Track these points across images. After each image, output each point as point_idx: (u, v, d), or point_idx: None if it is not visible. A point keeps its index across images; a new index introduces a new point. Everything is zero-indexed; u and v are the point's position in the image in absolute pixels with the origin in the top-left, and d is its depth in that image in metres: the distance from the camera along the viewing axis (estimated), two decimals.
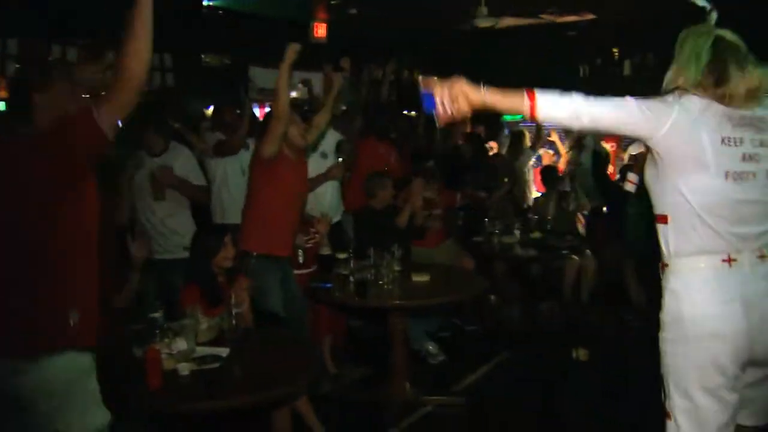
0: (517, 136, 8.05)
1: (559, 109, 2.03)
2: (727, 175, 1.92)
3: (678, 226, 2.01)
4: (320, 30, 7.87)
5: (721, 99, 1.95)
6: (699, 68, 1.98)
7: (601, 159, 6.84)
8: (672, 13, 7.89)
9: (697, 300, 1.95)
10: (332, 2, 7.08)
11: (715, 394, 1.93)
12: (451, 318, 5.59)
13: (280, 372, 2.84)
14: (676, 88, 2.02)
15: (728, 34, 2.06)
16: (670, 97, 1.99)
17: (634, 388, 4.56)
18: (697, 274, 1.97)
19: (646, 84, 7.00)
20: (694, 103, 1.95)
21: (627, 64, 9.13)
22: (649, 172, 2.09)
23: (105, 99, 2.09)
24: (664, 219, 2.05)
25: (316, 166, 4.96)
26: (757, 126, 1.96)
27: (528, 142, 8.02)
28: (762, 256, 1.95)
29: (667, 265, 2.06)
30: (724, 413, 1.95)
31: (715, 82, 1.96)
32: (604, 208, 6.95)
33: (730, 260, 1.93)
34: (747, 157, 1.93)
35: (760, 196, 1.96)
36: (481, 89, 2.07)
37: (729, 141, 1.93)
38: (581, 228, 6.97)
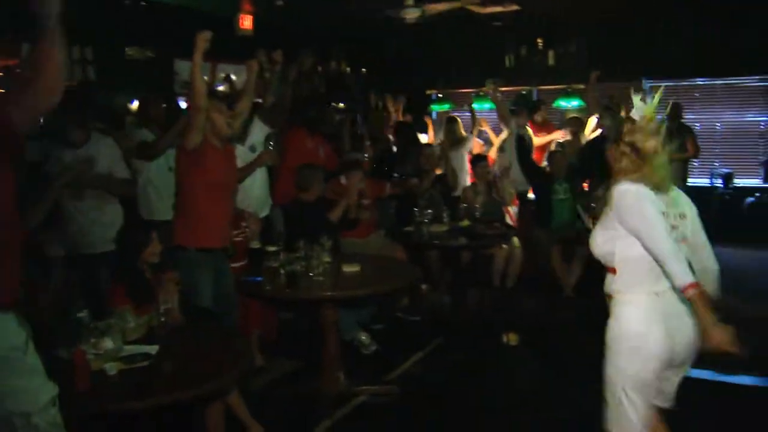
0: (449, 125, 8.13)
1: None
2: None
3: (627, 273, 2.60)
4: (246, 22, 7.74)
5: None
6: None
7: (524, 145, 7.02)
8: (595, 4, 8.22)
9: (635, 321, 2.57)
10: None
11: (644, 388, 2.57)
12: (386, 308, 5.66)
13: (210, 368, 2.83)
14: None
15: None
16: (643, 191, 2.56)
17: (562, 371, 4.73)
18: (636, 305, 2.59)
19: (570, 74, 7.26)
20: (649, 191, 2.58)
21: (551, 55, 9.35)
22: (602, 238, 2.66)
23: (18, 98, 2.03)
24: (614, 270, 2.63)
25: (246, 159, 4.94)
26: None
27: (462, 131, 8.12)
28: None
29: (612, 297, 2.67)
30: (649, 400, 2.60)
31: None
32: (530, 194, 7.13)
33: (658, 293, 2.55)
34: (673, 226, 2.62)
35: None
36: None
37: (666, 215, 2.58)
38: (514, 212, 7.12)
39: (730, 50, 8.62)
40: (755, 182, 9.19)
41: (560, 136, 7.82)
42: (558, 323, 5.79)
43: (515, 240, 6.27)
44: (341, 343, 4.46)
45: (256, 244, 4.47)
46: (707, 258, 2.78)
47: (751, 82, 9.19)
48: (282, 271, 3.98)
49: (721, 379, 4.40)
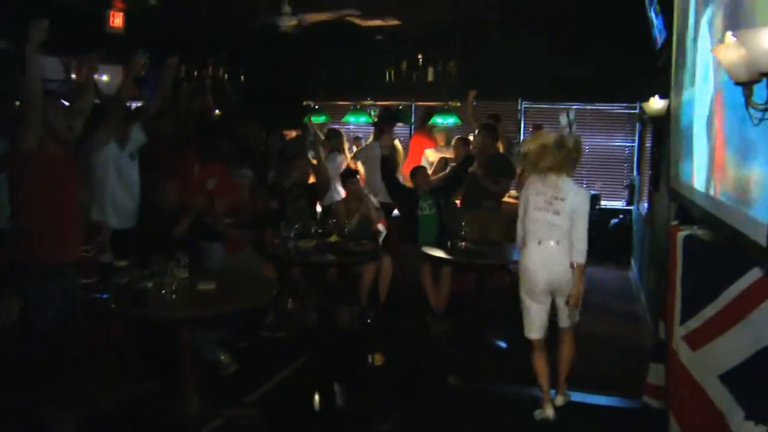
0: (329, 138, 8.08)
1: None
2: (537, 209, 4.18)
3: (526, 231, 4.23)
4: (116, 20, 7.37)
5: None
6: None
7: (388, 163, 7.02)
8: (474, 23, 8.41)
9: (529, 259, 4.18)
10: None
11: (533, 300, 4.21)
12: (250, 325, 5.45)
13: (52, 394, 2.58)
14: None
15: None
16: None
17: (426, 390, 4.72)
18: (529, 249, 4.19)
19: (448, 91, 7.31)
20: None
21: (430, 71, 9.45)
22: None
23: None
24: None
25: (125, 167, 4.79)
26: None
27: (344, 145, 8.08)
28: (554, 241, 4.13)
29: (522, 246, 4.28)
30: (540, 311, 4.22)
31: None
32: (395, 211, 7.12)
33: (540, 243, 4.14)
34: (548, 202, 4.14)
35: (549, 219, 4.13)
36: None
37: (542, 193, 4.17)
38: (383, 229, 7.08)
39: (597, 78, 9.02)
40: (619, 204, 9.65)
41: (450, 154, 7.88)
42: (425, 342, 5.80)
43: (386, 256, 6.22)
44: (201, 362, 4.24)
45: (107, 258, 4.17)
46: (575, 235, 4.06)
47: (618, 108, 9.66)
48: (131, 289, 3.72)
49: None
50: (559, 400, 4.38)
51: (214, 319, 4.49)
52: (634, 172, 9.37)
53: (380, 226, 6.93)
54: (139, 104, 8.62)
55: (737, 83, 1.79)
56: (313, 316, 5.92)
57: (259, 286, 4.42)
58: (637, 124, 9.32)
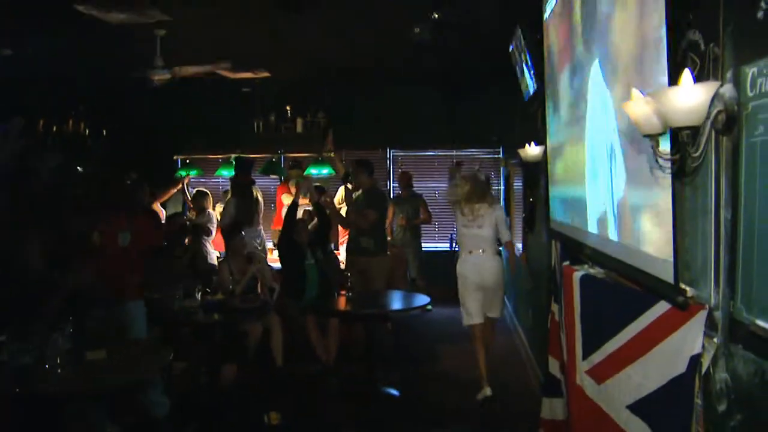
0: (196, 198, 7.95)
1: None
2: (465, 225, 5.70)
3: (460, 241, 5.81)
4: None
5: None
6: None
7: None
8: (343, 73, 8.58)
9: (463, 267, 5.71)
10: None
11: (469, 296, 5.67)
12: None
13: None
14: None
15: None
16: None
17: None
18: (462, 257, 5.71)
19: (315, 141, 7.35)
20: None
21: (299, 122, 9.50)
22: None
23: None
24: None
25: None
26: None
27: (208, 204, 7.97)
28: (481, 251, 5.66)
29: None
30: (475, 302, 5.67)
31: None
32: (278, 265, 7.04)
33: (471, 252, 5.65)
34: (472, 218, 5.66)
35: (475, 233, 5.64)
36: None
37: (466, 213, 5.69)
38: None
39: (464, 125, 9.46)
40: None
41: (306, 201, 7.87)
42: (321, 396, 5.74)
43: (274, 316, 6.11)
44: None
45: None
46: (502, 232, 5.74)
47: (483, 154, 10.13)
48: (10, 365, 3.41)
49: None
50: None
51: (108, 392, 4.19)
52: None
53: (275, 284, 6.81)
54: None
55: (645, 135, 1.95)
56: (203, 378, 5.68)
57: (151, 353, 4.18)
58: (502, 169, 9.82)
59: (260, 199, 8.18)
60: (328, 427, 5.08)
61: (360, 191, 6.85)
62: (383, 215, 6.93)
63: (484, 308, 5.70)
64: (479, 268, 5.61)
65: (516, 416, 5.12)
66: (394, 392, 5.78)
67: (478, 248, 5.62)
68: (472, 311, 5.65)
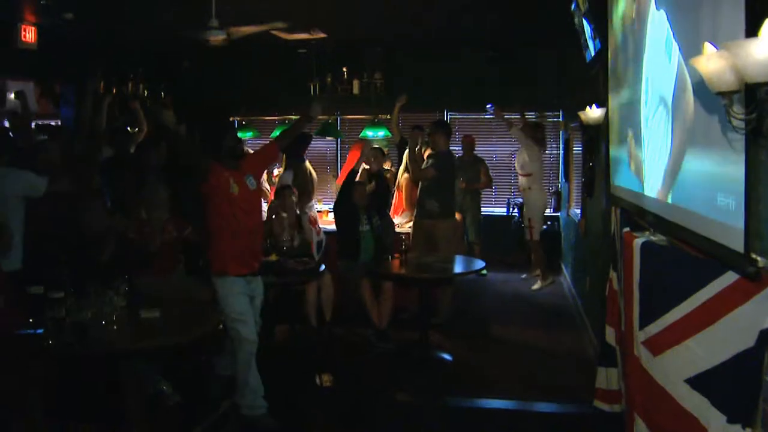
0: None
1: None
2: None
3: None
4: (28, 34, 6.99)
5: None
6: None
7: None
8: (400, 35, 8.43)
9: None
10: (42, 2, 6.28)
11: None
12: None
13: None
14: None
15: None
16: None
17: (376, 408, 4.64)
18: None
19: (374, 103, 7.32)
20: None
21: (356, 84, 9.41)
22: None
23: None
24: None
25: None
26: None
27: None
28: None
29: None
30: None
31: None
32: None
33: None
34: None
35: None
36: None
37: None
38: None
39: (522, 87, 9.21)
40: (547, 211, 9.83)
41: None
42: (373, 360, 5.74)
43: (326, 273, 6.11)
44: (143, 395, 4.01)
45: (36, 290, 3.88)
46: None
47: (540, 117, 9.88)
48: (68, 321, 3.47)
49: None
50: None
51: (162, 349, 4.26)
52: (561, 180, 9.59)
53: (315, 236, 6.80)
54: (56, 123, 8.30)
55: (717, 93, 1.80)
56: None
57: (204, 313, 4.23)
58: (561, 133, 9.56)
59: (313, 174, 8.15)
60: (379, 390, 5.08)
61: (431, 152, 6.80)
62: (449, 178, 6.81)
63: None
64: None
65: (571, 385, 5.02)
66: (448, 357, 5.74)
67: None
68: None
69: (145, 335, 3.70)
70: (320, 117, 4.83)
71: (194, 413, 4.48)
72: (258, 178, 4.74)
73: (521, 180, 8.51)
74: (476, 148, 9.12)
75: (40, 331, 3.49)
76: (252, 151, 5.97)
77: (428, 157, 6.80)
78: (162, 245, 5.11)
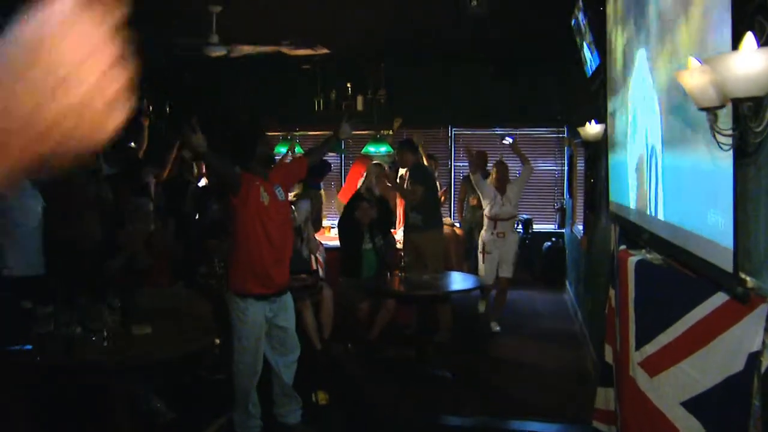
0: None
1: None
2: None
3: None
4: None
5: None
6: None
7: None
8: (404, 51, 8.44)
9: None
10: None
11: None
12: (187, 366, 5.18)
13: None
14: None
15: None
16: None
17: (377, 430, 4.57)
18: None
19: (378, 120, 7.32)
20: None
21: (360, 100, 9.42)
22: None
23: None
24: None
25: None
26: None
27: None
28: None
29: None
30: None
31: None
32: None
33: None
34: None
35: None
36: None
37: None
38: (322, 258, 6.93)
39: (526, 103, 9.17)
40: (551, 227, 9.78)
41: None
42: (370, 376, 5.67)
43: (325, 290, 6.07)
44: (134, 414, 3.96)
45: (26, 305, 3.85)
46: None
47: (547, 133, 9.84)
48: (55, 336, 3.43)
49: None
50: None
51: (153, 365, 4.22)
52: (565, 196, 9.52)
53: (319, 256, 6.78)
54: None
55: (701, 109, 1.75)
56: None
57: (199, 327, 4.18)
58: (566, 149, 9.51)
59: (323, 198, 8.10)
60: (376, 408, 5.01)
61: (405, 170, 6.80)
62: (430, 190, 6.78)
63: None
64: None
65: (572, 404, 4.94)
66: (448, 374, 5.66)
67: None
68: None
69: (134, 351, 3.65)
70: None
71: (188, 431, 4.43)
72: (286, 190, 4.56)
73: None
74: None
75: (28, 347, 3.45)
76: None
77: (407, 173, 6.80)
78: (155, 259, 5.10)
